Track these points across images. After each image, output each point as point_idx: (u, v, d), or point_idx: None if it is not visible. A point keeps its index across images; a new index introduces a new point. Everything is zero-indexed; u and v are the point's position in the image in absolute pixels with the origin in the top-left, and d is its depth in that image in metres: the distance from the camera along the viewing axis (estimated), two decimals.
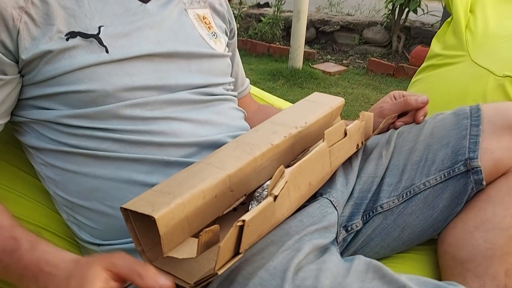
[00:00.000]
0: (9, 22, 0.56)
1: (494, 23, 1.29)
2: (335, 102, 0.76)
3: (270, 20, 3.65)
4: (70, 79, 0.59)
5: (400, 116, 0.80)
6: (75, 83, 0.59)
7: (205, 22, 0.77)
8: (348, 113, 2.50)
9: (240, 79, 0.95)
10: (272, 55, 3.54)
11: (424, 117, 0.77)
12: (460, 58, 1.28)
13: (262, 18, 3.76)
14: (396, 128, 0.78)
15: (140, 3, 0.67)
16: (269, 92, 2.78)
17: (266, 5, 4.50)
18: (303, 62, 3.18)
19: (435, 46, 1.41)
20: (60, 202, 0.66)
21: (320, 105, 0.74)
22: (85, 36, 0.60)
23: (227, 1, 0.87)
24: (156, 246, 0.53)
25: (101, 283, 0.44)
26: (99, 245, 0.64)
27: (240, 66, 0.96)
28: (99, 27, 0.62)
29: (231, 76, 0.83)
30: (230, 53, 0.82)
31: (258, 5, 4.54)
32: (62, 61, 0.58)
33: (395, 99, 0.80)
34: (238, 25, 3.78)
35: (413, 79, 1.42)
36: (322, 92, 2.83)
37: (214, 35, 0.77)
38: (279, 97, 2.71)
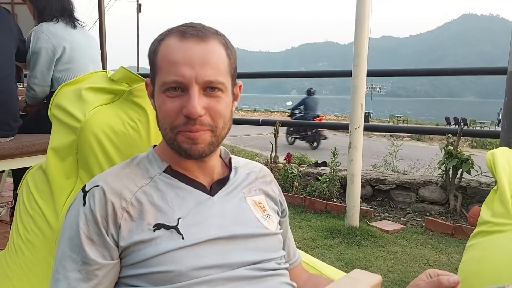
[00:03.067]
0: (115, 219, 0.77)
1: None
2: (373, 279, 0.86)
3: (327, 179, 3.88)
4: (154, 262, 0.76)
5: None
6: (158, 265, 0.76)
7: (260, 206, 0.94)
8: (407, 275, 2.47)
9: (292, 252, 1.08)
10: (329, 212, 3.68)
11: None
12: (508, 227, 1.34)
13: (320, 177, 4.01)
14: None
15: (209, 196, 0.87)
16: (326, 249, 2.86)
17: (324, 164, 4.80)
18: (361, 219, 3.26)
19: (484, 212, 1.48)
20: None
21: (358, 282, 0.85)
22: (167, 227, 0.79)
23: (279, 188, 1.06)
24: None
25: None
26: None
27: (292, 240, 1.10)
28: (178, 219, 0.81)
29: (283, 249, 0.98)
30: (281, 230, 0.97)
31: (316, 164, 4.85)
32: (149, 247, 0.76)
33: (430, 277, 0.89)
34: (297, 183, 4.04)
35: (467, 244, 1.46)
36: (379, 251, 2.81)
37: (267, 216, 0.93)
38: (337, 255, 2.76)
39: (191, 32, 0.80)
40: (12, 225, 1.01)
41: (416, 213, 3.68)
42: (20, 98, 2.54)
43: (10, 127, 2.12)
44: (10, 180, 3.43)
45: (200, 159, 0.85)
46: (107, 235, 0.76)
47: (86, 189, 0.80)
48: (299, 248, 3.11)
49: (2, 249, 1.03)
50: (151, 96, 0.87)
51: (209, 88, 0.80)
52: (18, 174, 2.59)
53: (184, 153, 0.83)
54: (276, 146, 4.35)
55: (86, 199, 0.78)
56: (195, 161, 0.87)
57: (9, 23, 2.15)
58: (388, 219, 3.55)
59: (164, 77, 0.79)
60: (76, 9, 2.60)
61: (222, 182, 0.91)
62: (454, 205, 3.48)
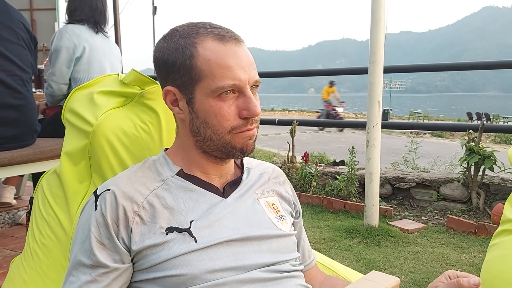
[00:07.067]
0: (127, 223, 0.77)
1: None
2: (391, 281, 0.84)
3: (346, 178, 3.83)
4: (167, 266, 0.75)
5: None
6: (171, 269, 0.75)
7: (273, 208, 0.93)
8: (428, 275, 2.42)
9: (307, 253, 1.06)
10: (348, 212, 3.63)
11: None
12: None
13: (338, 176, 3.97)
14: None
15: (221, 198, 0.86)
16: (345, 250, 2.83)
17: (342, 163, 4.76)
18: (380, 219, 3.21)
19: (508, 210, 1.43)
20: None
21: (375, 284, 0.83)
22: (180, 230, 0.78)
23: (293, 188, 1.04)
24: None
25: None
26: None
27: (306, 241, 1.08)
28: (190, 222, 0.80)
29: (297, 251, 0.96)
30: (295, 232, 0.96)
31: (334, 163, 4.81)
32: (162, 251, 0.76)
33: (450, 279, 0.86)
34: (315, 183, 4.00)
35: (490, 243, 1.42)
36: (400, 251, 2.75)
37: (281, 217, 0.92)
38: (356, 256, 2.72)
39: (227, 34, 0.81)
40: (28, 230, 1.02)
41: (437, 211, 3.61)
42: (38, 102, 2.62)
43: (31, 136, 2.17)
44: (30, 183, 3.50)
45: (240, 158, 0.88)
46: (118, 239, 0.76)
47: (98, 193, 0.81)
48: (318, 248, 3.07)
49: (20, 252, 1.05)
50: (174, 103, 0.85)
51: (252, 87, 0.84)
52: (37, 178, 2.64)
53: (240, 152, 0.84)
54: (293, 146, 4.32)
55: (98, 203, 0.78)
56: (217, 163, 0.87)
57: (25, 33, 2.16)
58: (408, 218, 3.49)
59: (218, 82, 0.79)
60: (108, 25, 2.79)
61: (234, 183, 0.91)
62: (476, 202, 3.40)
